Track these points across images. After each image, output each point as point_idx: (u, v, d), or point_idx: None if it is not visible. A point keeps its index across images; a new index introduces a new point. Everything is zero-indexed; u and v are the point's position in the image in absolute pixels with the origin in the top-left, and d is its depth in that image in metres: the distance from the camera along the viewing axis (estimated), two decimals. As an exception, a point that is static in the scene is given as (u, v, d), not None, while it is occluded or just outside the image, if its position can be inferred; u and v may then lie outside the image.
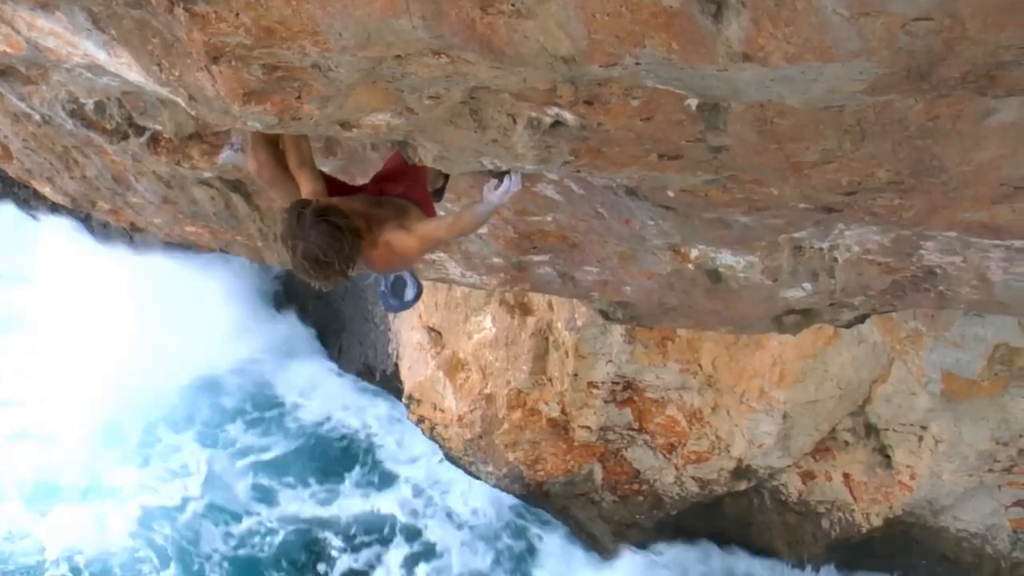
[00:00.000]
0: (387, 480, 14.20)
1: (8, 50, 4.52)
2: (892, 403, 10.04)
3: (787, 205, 4.59)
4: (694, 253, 6.09)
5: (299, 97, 3.65)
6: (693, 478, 11.65)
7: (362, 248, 4.28)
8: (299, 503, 13.99)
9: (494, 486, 12.60)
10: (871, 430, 10.48)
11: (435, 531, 13.62)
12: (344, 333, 15.10)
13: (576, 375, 11.05)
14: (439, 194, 5.36)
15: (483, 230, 6.42)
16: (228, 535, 13.69)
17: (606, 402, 11.25)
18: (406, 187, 4.74)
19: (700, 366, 10.81)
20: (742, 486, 11.64)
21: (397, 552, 13.54)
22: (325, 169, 5.18)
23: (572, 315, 10.63)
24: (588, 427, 11.46)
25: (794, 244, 5.60)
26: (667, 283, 6.54)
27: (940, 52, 2.73)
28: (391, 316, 13.57)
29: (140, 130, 6.48)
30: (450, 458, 12.80)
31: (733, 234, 5.39)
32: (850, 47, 2.75)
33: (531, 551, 13.35)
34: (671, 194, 4.81)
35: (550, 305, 10.98)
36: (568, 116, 3.75)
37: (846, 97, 3.14)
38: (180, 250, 12.45)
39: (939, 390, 9.30)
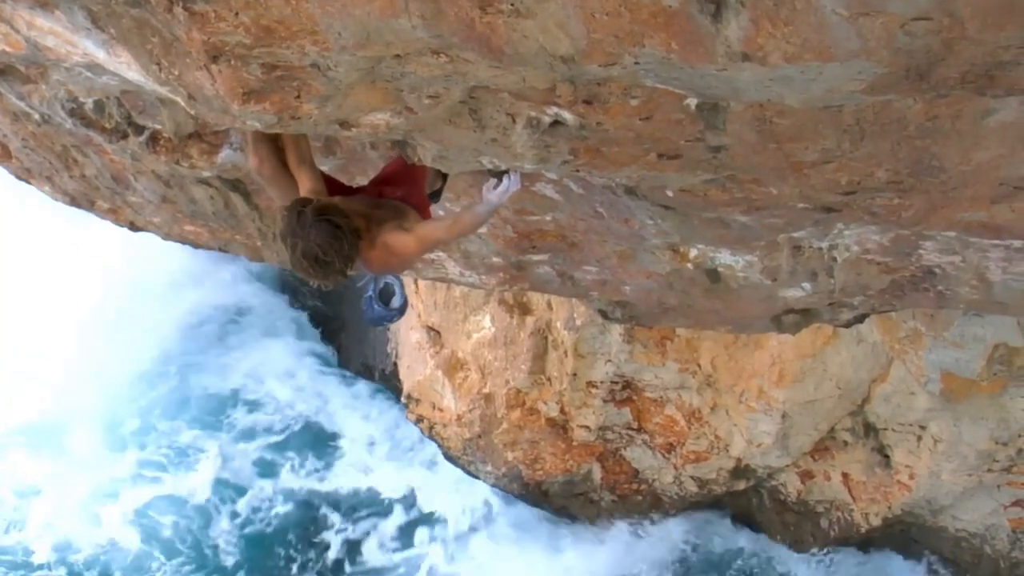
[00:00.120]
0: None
1: (7, 49, 4.52)
2: (891, 403, 10.05)
3: (786, 205, 4.59)
4: (693, 253, 6.09)
5: (298, 96, 3.65)
6: (692, 478, 11.66)
7: (361, 248, 4.28)
8: (298, 478, 14.04)
9: (493, 485, 12.61)
10: (870, 430, 10.49)
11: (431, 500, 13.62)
12: (343, 333, 15.12)
13: (575, 374, 11.06)
14: (436, 196, 5.36)
15: (482, 230, 6.42)
16: (234, 514, 13.72)
17: (605, 401, 11.25)
18: (405, 191, 4.74)
19: (699, 366, 10.82)
20: (741, 486, 11.65)
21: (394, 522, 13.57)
22: (324, 168, 5.18)
23: (571, 314, 10.64)
24: (587, 426, 11.47)
25: (793, 244, 5.60)
26: (666, 282, 6.54)
27: (939, 52, 2.73)
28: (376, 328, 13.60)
29: (139, 129, 6.48)
30: (449, 457, 12.80)
31: (732, 234, 5.39)
32: (849, 47, 2.75)
33: (528, 520, 13.31)
34: (670, 193, 4.81)
35: (549, 304, 10.98)
36: (567, 115, 3.75)
37: (845, 97, 3.14)
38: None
39: (938, 390, 9.31)
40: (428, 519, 13.59)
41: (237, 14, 3.28)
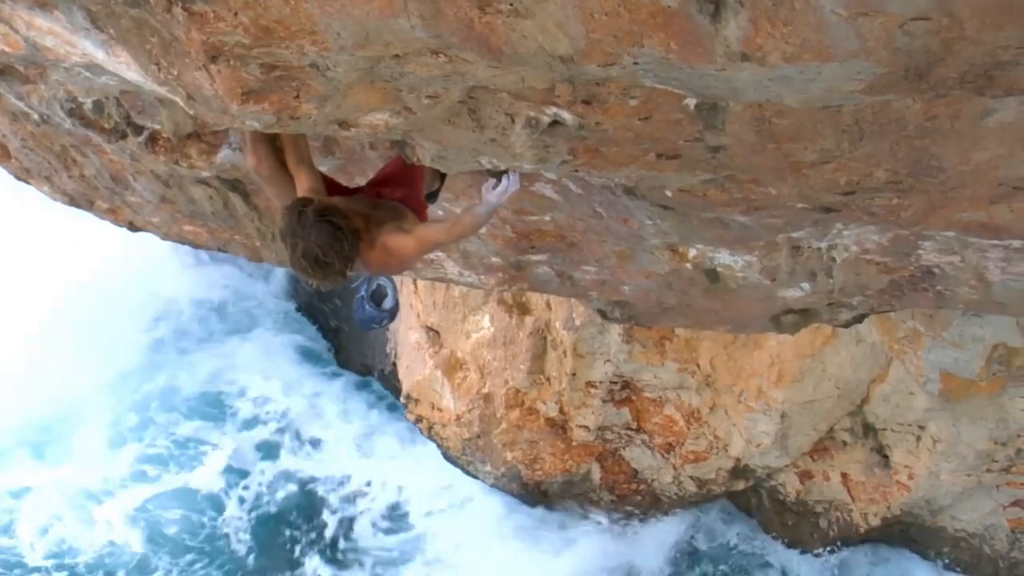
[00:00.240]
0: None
1: (6, 49, 4.52)
2: (890, 403, 10.05)
3: (785, 205, 4.59)
4: (692, 253, 6.09)
5: (297, 96, 3.65)
6: (691, 478, 11.66)
7: (360, 248, 4.28)
8: (296, 463, 14.09)
9: (492, 485, 12.60)
10: (869, 430, 10.49)
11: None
12: (342, 332, 15.12)
13: (574, 374, 11.05)
14: (434, 196, 5.35)
15: (482, 230, 6.42)
16: (238, 503, 13.76)
17: (604, 401, 11.25)
18: (403, 193, 4.74)
19: (698, 365, 10.82)
20: (740, 486, 11.65)
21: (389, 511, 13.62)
22: (323, 169, 5.18)
23: (570, 314, 10.63)
24: (586, 426, 11.46)
25: (792, 244, 5.60)
26: (665, 282, 6.54)
27: (938, 52, 2.74)
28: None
29: (138, 129, 6.48)
30: (448, 457, 12.79)
31: (731, 234, 5.39)
32: (848, 47, 2.75)
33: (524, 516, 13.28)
34: (669, 193, 4.81)
35: (548, 304, 10.98)
36: (566, 115, 3.75)
37: (844, 97, 3.14)
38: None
39: (937, 390, 9.31)
40: (424, 514, 13.59)
41: (236, 14, 3.28)
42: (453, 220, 4.61)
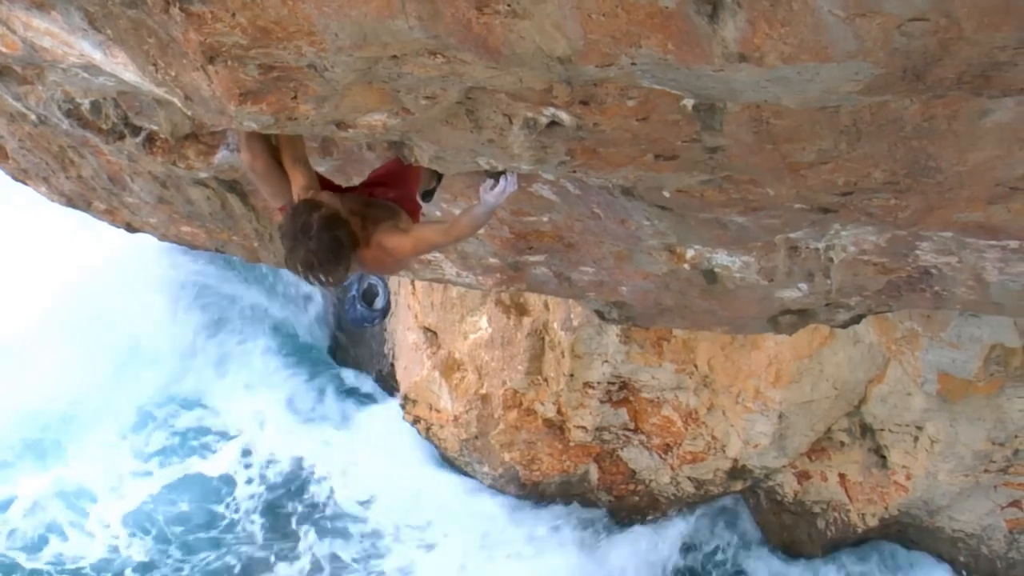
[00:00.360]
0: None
1: (4, 50, 4.51)
2: (888, 403, 10.05)
3: (783, 205, 4.59)
4: (690, 253, 6.09)
5: (295, 97, 3.65)
6: (689, 478, 11.66)
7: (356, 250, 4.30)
8: (298, 435, 14.15)
9: (490, 486, 12.60)
10: (867, 430, 10.49)
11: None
12: (341, 332, 15.11)
13: (572, 375, 11.05)
14: (430, 195, 5.34)
15: (480, 232, 6.42)
16: (243, 494, 13.79)
17: (602, 402, 11.25)
18: (397, 194, 4.74)
19: (696, 366, 10.82)
20: (738, 486, 11.66)
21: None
22: (320, 170, 5.18)
23: (568, 315, 10.63)
24: (584, 427, 11.47)
25: (790, 244, 5.60)
26: (663, 283, 6.54)
27: (935, 53, 2.74)
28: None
29: (136, 130, 6.46)
30: (446, 459, 12.79)
31: (729, 234, 5.39)
32: (846, 48, 2.75)
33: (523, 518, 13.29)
34: (667, 194, 4.81)
35: (546, 305, 10.98)
36: (564, 116, 3.75)
37: (842, 98, 3.14)
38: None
39: (935, 390, 9.32)
40: (423, 513, 13.60)
41: (234, 15, 3.28)
42: (451, 221, 4.60)
